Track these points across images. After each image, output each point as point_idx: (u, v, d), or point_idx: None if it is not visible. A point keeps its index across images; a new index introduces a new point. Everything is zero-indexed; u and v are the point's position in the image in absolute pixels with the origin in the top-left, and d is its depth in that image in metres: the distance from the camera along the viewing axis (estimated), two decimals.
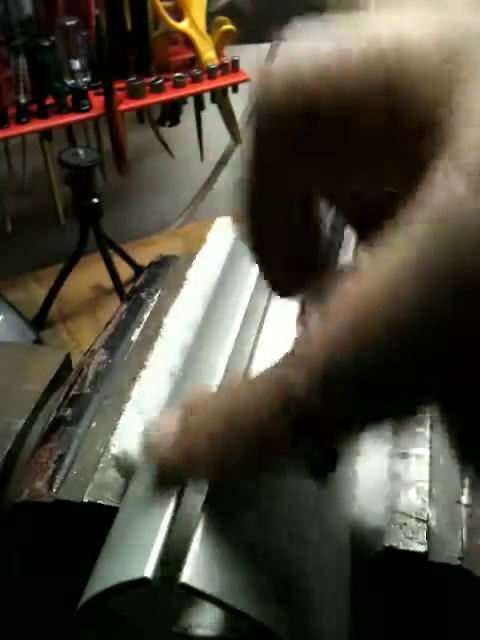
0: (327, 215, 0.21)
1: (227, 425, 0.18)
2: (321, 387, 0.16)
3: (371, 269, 0.16)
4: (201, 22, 0.79)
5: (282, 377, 0.17)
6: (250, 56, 0.88)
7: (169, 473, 0.20)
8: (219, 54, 0.81)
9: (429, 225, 0.15)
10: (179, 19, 0.78)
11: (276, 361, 0.18)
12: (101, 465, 0.29)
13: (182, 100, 0.83)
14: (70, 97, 0.75)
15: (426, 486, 0.28)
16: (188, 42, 0.81)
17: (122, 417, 0.29)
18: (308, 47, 0.19)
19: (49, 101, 0.74)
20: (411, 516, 0.26)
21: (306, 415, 0.17)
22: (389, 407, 0.17)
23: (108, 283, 0.80)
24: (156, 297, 0.38)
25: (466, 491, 0.28)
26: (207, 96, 0.84)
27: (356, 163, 0.18)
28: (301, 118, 0.18)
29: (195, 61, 0.82)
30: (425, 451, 0.29)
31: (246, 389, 0.18)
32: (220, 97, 0.85)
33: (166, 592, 0.22)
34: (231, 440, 0.18)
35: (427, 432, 0.30)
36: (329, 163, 0.19)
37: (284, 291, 0.22)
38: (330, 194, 0.21)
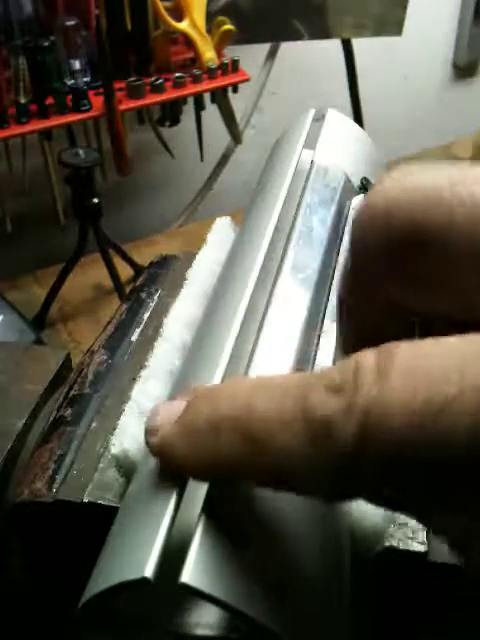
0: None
1: (240, 422, 0.17)
2: (360, 436, 0.14)
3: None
4: (201, 22, 0.79)
5: (317, 395, 0.15)
6: (250, 56, 0.88)
7: (170, 463, 0.19)
8: (219, 54, 0.81)
9: None
10: (179, 19, 0.78)
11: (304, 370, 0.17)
12: (101, 465, 0.29)
13: (182, 100, 0.83)
14: (70, 97, 0.75)
15: None
16: (188, 42, 0.81)
17: (122, 417, 0.29)
18: (422, 176, 0.18)
19: (49, 101, 0.74)
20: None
21: (327, 446, 0.15)
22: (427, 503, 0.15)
23: (108, 283, 0.80)
24: (156, 297, 0.38)
25: None
26: (207, 96, 0.84)
27: (454, 288, 0.18)
28: (410, 242, 0.18)
29: (195, 61, 0.82)
30: None
31: (268, 389, 0.17)
32: (220, 97, 0.85)
33: (166, 592, 0.22)
34: (242, 442, 0.17)
35: None
36: (427, 286, 0.18)
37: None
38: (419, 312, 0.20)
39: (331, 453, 0.15)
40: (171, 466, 0.19)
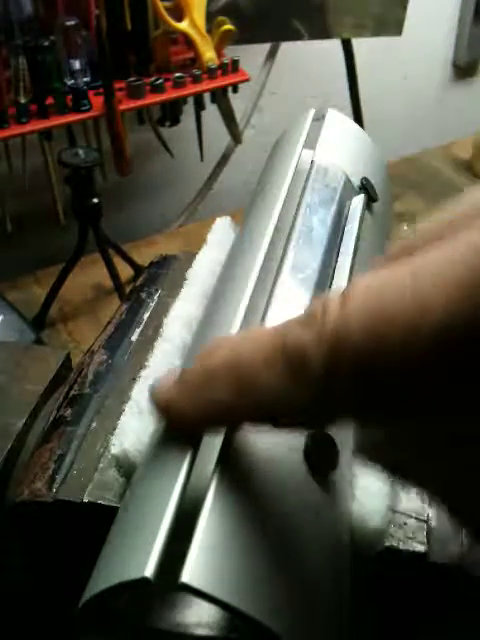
0: None
1: (229, 369, 0.18)
2: (329, 357, 0.16)
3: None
4: (201, 22, 0.79)
5: (292, 331, 0.17)
6: (250, 56, 0.88)
7: (176, 422, 0.21)
8: (219, 54, 0.81)
9: None
10: (179, 19, 0.78)
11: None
12: (101, 465, 0.29)
13: (182, 100, 0.83)
14: (70, 97, 0.75)
15: None
16: (188, 42, 0.81)
17: (122, 417, 0.29)
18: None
19: (49, 101, 0.74)
20: (411, 516, 0.26)
21: (304, 374, 0.17)
22: (387, 401, 0.17)
23: (108, 283, 0.80)
24: (156, 297, 0.38)
25: None
26: (207, 96, 0.84)
27: None
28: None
29: (195, 61, 0.81)
30: None
31: (253, 337, 0.19)
32: (220, 97, 0.85)
33: (166, 592, 0.22)
34: (232, 385, 0.18)
35: None
36: None
37: None
38: None
39: (308, 381, 0.17)
40: (173, 421, 0.21)
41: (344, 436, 0.26)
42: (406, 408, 0.17)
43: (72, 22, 0.72)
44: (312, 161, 0.34)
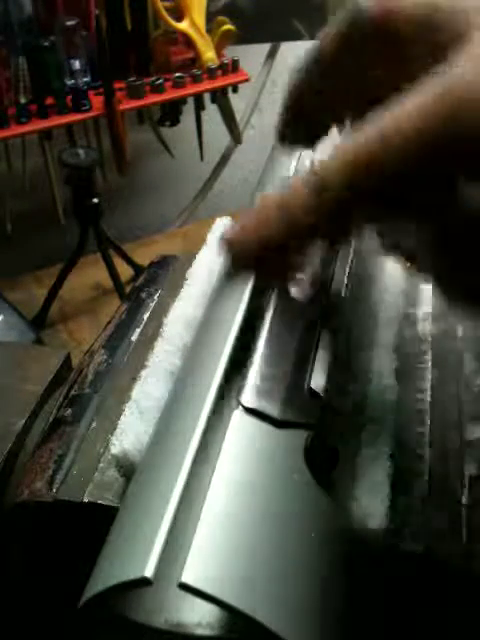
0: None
1: (278, 211, 0.24)
2: (349, 173, 0.22)
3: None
4: (201, 22, 0.79)
5: (318, 166, 0.23)
6: (250, 56, 0.88)
7: (235, 252, 0.26)
8: (219, 54, 0.81)
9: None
10: (179, 19, 0.78)
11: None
12: (101, 465, 0.29)
13: (182, 100, 0.83)
14: (70, 97, 0.75)
15: (426, 486, 0.28)
16: (188, 42, 0.81)
17: (122, 417, 0.29)
18: None
19: (49, 101, 0.74)
20: (408, 515, 0.27)
21: (331, 198, 0.22)
22: (394, 196, 0.22)
23: (108, 283, 0.80)
24: (156, 297, 0.39)
25: (466, 491, 0.28)
26: (207, 96, 0.84)
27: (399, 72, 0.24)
28: (392, 35, 0.24)
29: (195, 61, 0.82)
30: (425, 451, 0.29)
31: (292, 185, 0.24)
32: (220, 97, 0.85)
33: (166, 592, 0.22)
34: (277, 218, 0.24)
35: (427, 432, 0.30)
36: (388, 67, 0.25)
37: (289, 142, 0.29)
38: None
39: (330, 198, 0.23)
40: (236, 253, 0.26)
41: (344, 436, 0.26)
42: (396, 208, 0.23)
43: (72, 22, 0.72)
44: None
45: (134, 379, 0.31)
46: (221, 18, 0.80)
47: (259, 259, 0.26)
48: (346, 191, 0.22)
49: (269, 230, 0.24)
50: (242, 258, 0.26)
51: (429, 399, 0.32)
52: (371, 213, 0.24)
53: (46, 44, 0.71)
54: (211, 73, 0.81)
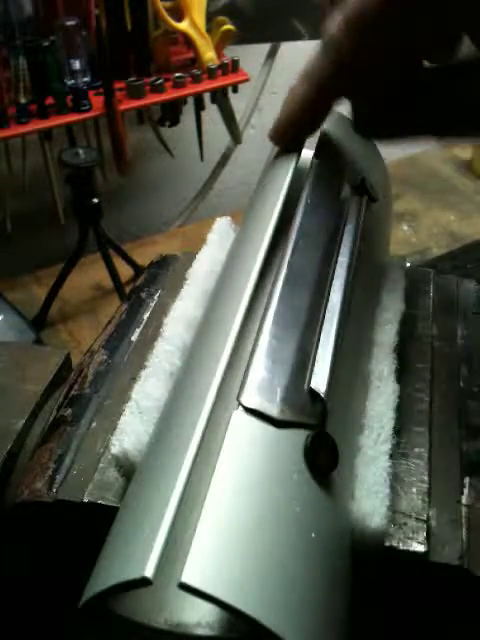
0: None
1: (302, 78, 0.31)
2: (356, 29, 0.29)
3: None
4: (201, 22, 0.79)
5: (328, 34, 0.30)
6: (250, 56, 0.88)
7: (280, 130, 0.34)
8: (219, 54, 0.81)
9: None
10: (179, 19, 0.78)
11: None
12: (101, 465, 0.29)
13: (182, 100, 0.83)
14: (70, 97, 0.75)
15: (426, 486, 0.28)
16: (188, 42, 0.81)
17: (122, 417, 0.29)
18: None
19: (49, 101, 0.74)
20: (411, 516, 0.27)
21: (342, 57, 0.30)
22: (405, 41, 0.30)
23: (108, 283, 0.80)
24: (156, 297, 0.39)
25: (466, 491, 0.28)
26: (207, 96, 0.84)
27: None
28: None
29: (195, 61, 0.82)
30: (425, 451, 0.29)
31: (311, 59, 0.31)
32: (220, 97, 0.85)
33: (166, 592, 0.22)
34: (302, 82, 0.32)
35: (427, 432, 0.30)
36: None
37: None
38: None
39: (338, 54, 0.30)
40: (278, 134, 0.34)
41: (344, 436, 0.26)
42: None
43: (72, 22, 0.72)
44: (312, 161, 0.35)
45: (134, 379, 0.31)
46: (221, 18, 0.80)
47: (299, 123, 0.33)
48: (350, 39, 0.29)
49: (304, 92, 0.31)
50: (292, 117, 0.33)
51: (429, 399, 0.32)
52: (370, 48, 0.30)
53: (46, 44, 0.71)
54: (211, 73, 0.81)
